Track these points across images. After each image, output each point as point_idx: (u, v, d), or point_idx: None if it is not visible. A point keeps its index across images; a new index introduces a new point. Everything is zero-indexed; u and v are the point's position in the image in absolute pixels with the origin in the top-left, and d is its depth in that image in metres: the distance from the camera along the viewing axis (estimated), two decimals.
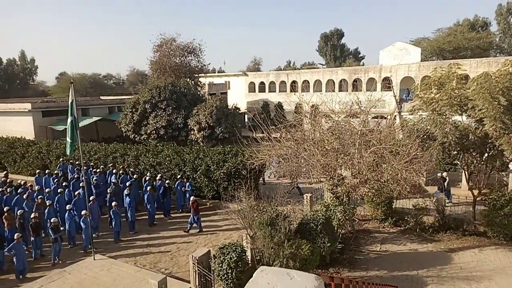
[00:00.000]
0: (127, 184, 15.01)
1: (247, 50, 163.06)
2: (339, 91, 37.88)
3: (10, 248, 10.81)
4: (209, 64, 43.86)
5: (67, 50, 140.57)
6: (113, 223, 13.31)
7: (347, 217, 11.55)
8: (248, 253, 9.32)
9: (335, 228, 11.02)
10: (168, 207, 15.88)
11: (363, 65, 64.17)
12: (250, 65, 78.69)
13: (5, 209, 12.91)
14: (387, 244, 12.35)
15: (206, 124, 24.27)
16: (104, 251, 12.25)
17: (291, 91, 41.20)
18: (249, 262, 9.15)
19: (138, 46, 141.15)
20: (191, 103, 26.75)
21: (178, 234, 13.83)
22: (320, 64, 69.82)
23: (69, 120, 11.14)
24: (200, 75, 39.81)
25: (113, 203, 13.58)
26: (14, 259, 10.75)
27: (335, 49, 76.69)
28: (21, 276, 10.84)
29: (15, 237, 11.00)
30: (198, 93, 33.41)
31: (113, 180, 16.31)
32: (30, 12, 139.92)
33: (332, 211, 11.43)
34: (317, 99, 15.80)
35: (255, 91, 46.41)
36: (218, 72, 64.08)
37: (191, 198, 14.22)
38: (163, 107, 25.49)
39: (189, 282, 9.50)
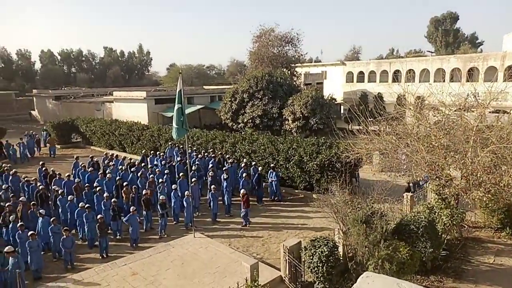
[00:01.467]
0: (224, 169, 15.89)
1: (346, 39, 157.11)
2: (450, 81, 34.06)
3: (127, 219, 12.41)
4: (306, 53, 43.49)
5: (178, 42, 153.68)
6: (212, 204, 14.25)
7: (454, 222, 10.39)
8: (340, 249, 9.09)
9: (439, 233, 10.03)
10: (261, 195, 16.34)
11: (481, 52, 56.49)
12: (348, 54, 75.70)
13: (124, 184, 14.84)
14: (503, 257, 10.81)
15: (301, 115, 24.20)
16: (203, 230, 13.22)
17: (393, 81, 38.49)
18: (341, 258, 8.92)
19: (239, 37, 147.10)
20: (286, 93, 26.93)
21: (269, 221, 14.18)
22: (429, 51, 63.64)
23: (176, 107, 12.10)
24: (296, 65, 39.73)
25: (212, 186, 14.54)
26: (130, 229, 12.32)
27: (447, 35, 69.06)
28: (134, 245, 12.38)
29: (131, 210, 12.58)
30: (294, 83, 33.43)
31: (210, 165, 17.39)
32: (146, 10, 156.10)
33: (436, 214, 10.41)
34: (424, 90, 14.42)
35: (353, 81, 44.55)
36: (315, 61, 63.09)
37: (242, 191, 13.89)
38: (260, 96, 26.16)
39: (279, 269, 9.69)
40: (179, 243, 11.57)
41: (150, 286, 8.95)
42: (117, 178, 15.75)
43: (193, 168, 16.71)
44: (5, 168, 18.17)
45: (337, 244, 8.95)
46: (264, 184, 16.68)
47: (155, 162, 18.90)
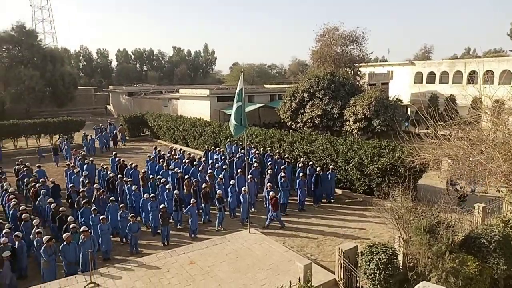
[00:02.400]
0: (282, 168, 15.92)
1: (416, 37, 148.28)
2: None
3: (187, 210, 13.00)
4: (371, 53, 41.82)
5: (241, 42, 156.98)
6: (267, 202, 14.37)
7: None
8: (400, 258, 8.64)
9: None
10: (319, 195, 16.10)
11: None
12: (418, 54, 71.42)
13: (185, 177, 15.57)
14: None
15: (363, 116, 23.36)
16: (257, 226, 13.39)
17: (468, 82, 35.54)
18: (400, 267, 8.47)
19: (302, 37, 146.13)
20: (348, 93, 26.17)
21: (325, 223, 13.93)
22: (511, 51, 57.67)
23: (236, 105, 12.30)
24: (360, 64, 38.41)
25: (268, 184, 14.66)
26: (189, 220, 12.89)
27: None
28: (193, 235, 12.94)
29: (191, 202, 13.16)
30: (357, 83, 32.36)
31: (270, 163, 17.53)
32: (212, 11, 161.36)
33: None
34: (504, 93, 13.13)
35: (422, 82, 41.93)
36: (381, 61, 60.48)
37: (270, 193, 13.48)
38: (320, 96, 25.74)
39: (333, 273, 9.49)
40: (235, 237, 11.85)
41: (206, 276, 9.29)
42: (178, 171, 16.57)
43: (252, 165, 16.97)
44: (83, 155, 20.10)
45: (396, 252, 8.52)
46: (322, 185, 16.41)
47: (215, 157, 19.52)
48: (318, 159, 17.59)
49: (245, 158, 14.21)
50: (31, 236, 10.74)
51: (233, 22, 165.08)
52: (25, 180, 15.91)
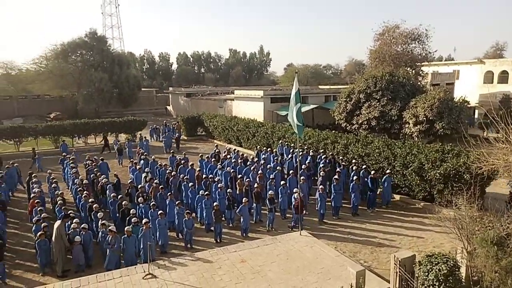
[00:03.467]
0: (336, 171, 15.58)
1: (485, 35, 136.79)
2: None
3: (240, 209, 13.24)
4: (435, 51, 39.36)
5: (296, 43, 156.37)
6: (319, 204, 14.15)
7: None
8: (463, 270, 8.04)
9: None
10: (373, 200, 15.52)
11: None
12: (489, 51, 65.84)
13: (238, 176, 15.87)
14: None
15: (424, 118, 22.06)
16: (309, 229, 13.24)
17: None
18: (463, 280, 7.89)
19: (359, 36, 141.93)
20: (409, 94, 24.86)
21: (380, 229, 13.38)
22: None
23: (296, 106, 12.11)
24: (423, 63, 36.31)
25: (320, 187, 14.43)
26: (241, 219, 13.12)
27: None
28: (244, 234, 13.15)
29: (243, 201, 13.38)
30: (419, 83, 30.64)
31: (321, 165, 17.23)
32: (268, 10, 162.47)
33: None
34: None
35: (492, 82, 38.60)
36: (446, 60, 56.68)
37: (295, 195, 13.09)
38: (378, 97, 24.77)
39: (388, 281, 9.09)
40: (286, 239, 11.83)
41: (256, 275, 9.39)
42: (231, 170, 16.93)
43: (303, 166, 16.83)
44: (144, 154, 21.33)
45: (458, 264, 7.94)
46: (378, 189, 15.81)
47: (267, 158, 19.64)
48: (374, 162, 16.95)
49: (298, 160, 14.12)
50: (96, 227, 11.66)
51: (289, 23, 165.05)
52: (91, 175, 17.26)
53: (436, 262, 7.77)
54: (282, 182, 14.96)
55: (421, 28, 34.80)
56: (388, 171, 15.74)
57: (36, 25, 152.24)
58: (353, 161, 17.22)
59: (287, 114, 15.91)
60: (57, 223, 11.15)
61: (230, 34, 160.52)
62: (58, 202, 13.33)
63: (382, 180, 15.62)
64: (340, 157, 18.26)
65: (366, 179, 15.55)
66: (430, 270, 7.73)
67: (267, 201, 13.75)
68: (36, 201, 13.69)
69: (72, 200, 16.14)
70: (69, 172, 18.33)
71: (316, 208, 14.59)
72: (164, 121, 35.54)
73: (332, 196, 14.76)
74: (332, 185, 14.84)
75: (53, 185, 15.51)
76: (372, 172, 15.76)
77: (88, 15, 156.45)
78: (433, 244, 11.97)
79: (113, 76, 47.65)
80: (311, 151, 19.61)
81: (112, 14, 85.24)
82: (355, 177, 15.15)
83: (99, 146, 29.06)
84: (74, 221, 11.55)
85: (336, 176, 15.03)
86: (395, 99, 24.36)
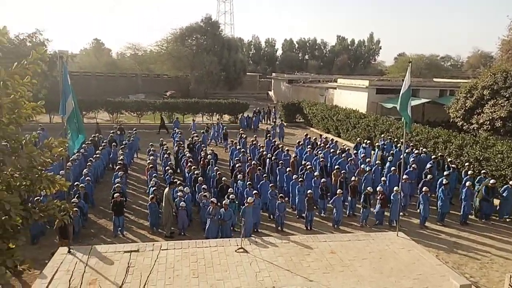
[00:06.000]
0: (445, 174, 14.14)
1: None
2: None
3: (333, 201, 13.01)
4: None
5: (410, 31, 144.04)
6: (422, 207, 13.06)
7: None
8: None
9: None
10: (489, 211, 13.70)
11: None
12: None
13: (335, 167, 15.54)
14: None
15: None
16: (407, 231, 12.35)
17: None
18: None
19: (487, 24, 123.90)
20: None
21: (494, 244, 11.79)
22: None
23: (405, 100, 11.15)
24: None
25: (424, 188, 13.27)
26: (334, 210, 12.89)
27: None
28: (335, 225, 12.94)
29: (337, 192, 13.09)
30: None
31: (429, 166, 15.75)
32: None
33: None
34: None
35: None
36: None
37: (378, 188, 12.40)
38: (507, 95, 21.43)
39: None
40: (380, 237, 11.23)
41: (345, 269, 9.16)
42: (321, 159, 16.59)
43: (408, 165, 15.63)
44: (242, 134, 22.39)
45: None
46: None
47: (367, 151, 18.77)
48: (493, 168, 14.88)
49: (402, 157, 13.16)
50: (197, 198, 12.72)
51: (403, 9, 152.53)
52: (198, 150, 18.76)
53: None
54: (382, 179, 14.17)
55: None
56: (511, 182, 13.63)
57: (160, 10, 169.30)
58: (466, 164, 15.36)
59: (394, 107, 14.90)
60: (166, 190, 12.48)
61: (339, 20, 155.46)
62: (169, 171, 14.86)
63: (502, 189, 13.64)
64: (449, 159, 16.44)
65: (481, 187, 13.77)
66: None
67: (363, 196, 13.21)
68: (151, 166, 15.51)
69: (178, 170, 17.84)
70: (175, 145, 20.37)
71: (418, 210, 13.51)
72: (268, 105, 36.67)
73: (438, 201, 13.46)
74: (440, 188, 13.49)
75: (165, 156, 17.32)
76: (491, 180, 13.83)
77: (204, 1, 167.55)
78: None
79: (222, 60, 50.46)
80: (415, 149, 18.07)
81: (226, 0, 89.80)
82: (468, 183, 13.53)
83: (204, 124, 31.35)
84: (179, 188, 12.77)
85: (445, 180, 13.62)
86: None
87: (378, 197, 13.19)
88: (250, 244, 10.05)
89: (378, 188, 13.38)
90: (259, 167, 15.71)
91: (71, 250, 8.90)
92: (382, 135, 21.27)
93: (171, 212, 12.16)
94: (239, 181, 14.12)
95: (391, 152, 17.80)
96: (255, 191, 12.77)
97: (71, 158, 14.78)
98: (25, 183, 4.51)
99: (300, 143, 20.10)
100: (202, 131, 23.62)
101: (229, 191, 12.86)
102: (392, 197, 13.02)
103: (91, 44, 71.33)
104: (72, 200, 11.26)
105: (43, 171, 4.59)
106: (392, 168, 15.17)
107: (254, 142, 20.25)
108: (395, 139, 19.89)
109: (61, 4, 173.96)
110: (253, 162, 16.04)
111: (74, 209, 10.05)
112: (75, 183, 12.91)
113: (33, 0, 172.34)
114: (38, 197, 8.91)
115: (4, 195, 3.79)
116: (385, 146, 19.51)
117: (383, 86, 32.66)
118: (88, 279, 7.73)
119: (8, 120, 4.18)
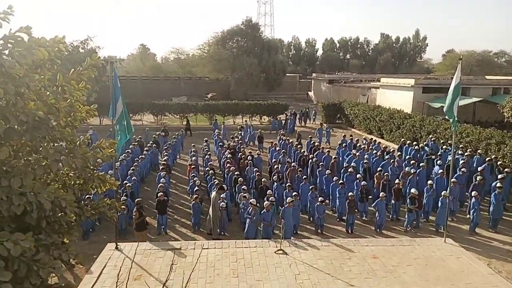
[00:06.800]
0: (499, 178, 13.25)
1: None
2: None
3: (375, 204, 12.64)
4: None
5: (459, 26, 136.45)
6: (473, 213, 12.34)
7: None
8: None
9: None
10: None
11: None
12: None
13: (378, 169, 15.09)
14: None
15: None
16: (455, 238, 11.72)
17: None
18: None
19: None
20: None
21: None
22: None
23: (456, 99, 10.61)
24: None
25: (473, 192, 12.52)
26: (376, 214, 12.52)
27: None
28: (378, 230, 12.56)
29: (380, 195, 12.70)
30: None
31: (480, 169, 14.82)
32: None
33: None
34: None
35: None
36: None
37: (412, 190, 11.77)
38: None
39: None
40: (426, 243, 10.74)
41: (389, 275, 8.86)
42: (365, 161, 16.14)
43: (458, 168, 14.81)
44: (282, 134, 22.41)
45: None
46: None
47: (412, 153, 18.02)
48: None
49: (451, 159, 12.51)
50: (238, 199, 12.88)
51: (452, 3, 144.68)
52: (237, 151, 19.00)
53: None
54: (429, 182, 13.56)
55: None
56: None
57: (203, 16, 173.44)
58: None
59: (442, 106, 14.18)
60: (213, 194, 12.63)
61: (384, 18, 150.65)
62: (210, 172, 15.19)
63: None
64: (501, 162, 15.34)
65: None
66: None
67: (408, 200, 12.71)
68: (192, 166, 15.94)
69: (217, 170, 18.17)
70: (217, 147, 20.71)
71: (468, 216, 12.78)
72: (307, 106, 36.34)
73: (491, 206, 12.65)
74: (493, 193, 12.65)
75: (206, 156, 17.72)
76: None
77: (245, 2, 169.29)
78: None
79: (261, 61, 50.74)
80: (466, 151, 17.07)
81: (266, 2, 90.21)
82: None
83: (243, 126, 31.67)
84: (220, 193, 13.02)
85: (498, 184, 12.76)
86: None
87: (413, 197, 12.68)
88: (290, 246, 10.02)
89: (412, 191, 12.81)
90: (299, 169, 15.63)
91: (118, 246, 9.36)
92: (429, 136, 20.34)
93: (218, 216, 12.35)
94: (277, 182, 14.13)
95: (439, 154, 16.98)
96: (294, 193, 12.72)
97: (119, 159, 15.55)
98: (79, 182, 4.84)
99: (342, 144, 19.73)
100: (236, 133, 23.99)
101: (268, 192, 12.91)
102: (439, 202, 12.42)
103: (137, 49, 74.66)
104: (121, 199, 11.89)
105: (94, 171, 4.90)
106: (440, 171, 14.46)
107: (295, 144, 20.19)
108: (442, 141, 18.93)
109: (109, 12, 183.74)
110: (292, 164, 15.98)
111: (122, 207, 10.60)
112: (124, 182, 13.58)
113: (84, 8, 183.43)
114: (89, 196, 9.47)
115: (61, 193, 4.08)
116: (430, 148, 18.60)
117: (430, 85, 31.19)
118: (133, 274, 8.11)
119: (64, 122, 4.51)
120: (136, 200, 11.78)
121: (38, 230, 4.05)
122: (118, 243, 9.41)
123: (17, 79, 3.61)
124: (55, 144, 4.24)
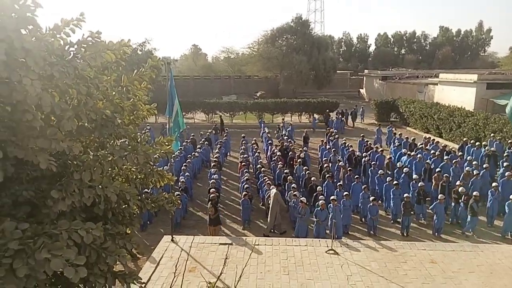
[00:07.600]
0: None
1: None
2: None
3: (433, 206, 11.98)
4: None
5: None
6: None
7: None
8: None
9: None
10: None
11: None
12: None
13: (436, 170, 14.27)
14: None
15: None
16: None
17: None
18: None
19: None
20: None
21: None
22: None
23: None
24: None
25: None
26: (434, 217, 11.86)
27: None
28: (436, 233, 11.88)
29: (438, 198, 12.02)
30: None
31: None
32: None
33: None
34: None
35: None
36: None
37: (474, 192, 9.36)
38: None
39: None
40: (490, 250, 9.99)
41: (448, 281, 8.37)
42: (426, 161, 15.34)
43: None
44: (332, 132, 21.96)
45: None
46: None
47: (475, 153, 16.81)
48: None
49: None
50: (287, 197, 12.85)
51: None
52: (287, 149, 18.96)
53: None
54: (494, 184, 12.58)
55: None
56: None
57: (254, 15, 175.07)
58: None
59: (507, 103, 13.12)
60: (273, 191, 12.65)
61: (443, 10, 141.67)
62: (261, 170, 15.33)
63: None
64: None
65: None
66: None
67: (471, 204, 11.87)
68: (243, 164, 16.18)
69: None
70: (266, 144, 20.85)
71: None
72: (356, 105, 35.24)
73: None
74: None
75: (255, 154, 17.90)
76: None
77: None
78: None
79: (311, 59, 50.04)
80: None
81: None
82: None
83: (296, 124, 31.46)
84: (272, 189, 13.06)
85: None
86: None
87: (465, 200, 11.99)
88: (341, 246, 9.83)
89: (460, 190, 11.98)
90: (350, 168, 15.25)
91: (174, 238, 9.79)
92: (492, 134, 18.83)
93: (279, 212, 12.41)
94: (327, 181, 13.90)
95: (506, 154, 15.67)
96: (345, 192, 12.44)
97: (173, 155, 16.22)
98: (140, 176, 5.13)
99: (396, 144, 18.92)
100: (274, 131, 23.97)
101: (317, 189, 12.75)
102: (506, 206, 11.47)
103: (189, 50, 77.23)
104: (176, 193, 12.39)
105: (154, 167, 5.17)
106: (507, 173, 13.33)
107: (345, 143, 19.71)
108: (510, 140, 17.42)
109: (165, 15, 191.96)
110: (340, 163, 15.63)
111: (178, 201, 11.04)
112: (179, 178, 14.16)
113: (141, 11, 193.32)
114: (146, 190, 9.98)
115: (125, 186, 4.36)
116: (493, 148, 17.21)
117: (496, 80, 28.84)
118: (188, 266, 8.44)
119: (128, 120, 4.81)
120: (211, 196, 12.09)
121: (105, 220, 4.36)
122: (173, 236, 9.85)
123: (88, 80, 3.91)
124: (120, 141, 4.53)
